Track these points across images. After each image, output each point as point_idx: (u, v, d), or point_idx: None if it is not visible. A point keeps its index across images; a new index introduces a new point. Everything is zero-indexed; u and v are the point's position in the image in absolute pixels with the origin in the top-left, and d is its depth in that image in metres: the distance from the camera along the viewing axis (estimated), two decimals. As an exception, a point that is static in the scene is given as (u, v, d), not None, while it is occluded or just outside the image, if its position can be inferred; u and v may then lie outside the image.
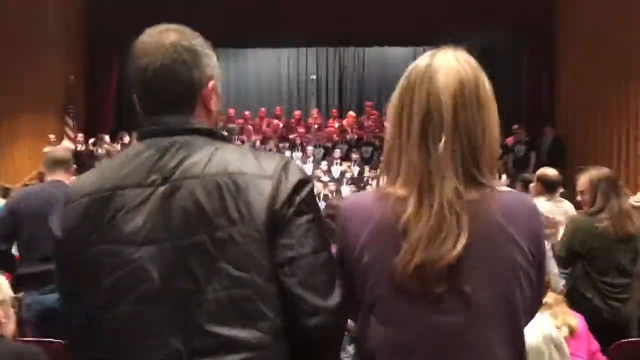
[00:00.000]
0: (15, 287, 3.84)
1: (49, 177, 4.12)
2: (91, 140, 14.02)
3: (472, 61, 1.38)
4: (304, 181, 1.39)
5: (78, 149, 13.79)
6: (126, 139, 14.25)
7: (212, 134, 1.45)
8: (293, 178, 1.37)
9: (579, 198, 3.97)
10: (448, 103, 1.27)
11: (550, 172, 5.49)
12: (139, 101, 1.52)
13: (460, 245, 1.21)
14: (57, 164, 4.07)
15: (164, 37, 1.48)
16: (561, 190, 5.28)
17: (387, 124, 1.38)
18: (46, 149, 8.72)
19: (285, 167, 1.38)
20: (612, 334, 3.06)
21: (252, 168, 1.36)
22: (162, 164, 1.38)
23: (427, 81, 1.30)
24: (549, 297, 2.81)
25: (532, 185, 5.92)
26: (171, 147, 1.40)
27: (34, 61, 13.48)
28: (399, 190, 1.30)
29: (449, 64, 1.32)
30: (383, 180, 1.38)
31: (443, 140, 1.25)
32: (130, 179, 1.37)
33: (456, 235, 1.21)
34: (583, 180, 3.83)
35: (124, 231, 1.33)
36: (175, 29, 1.51)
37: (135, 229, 1.33)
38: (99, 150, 13.69)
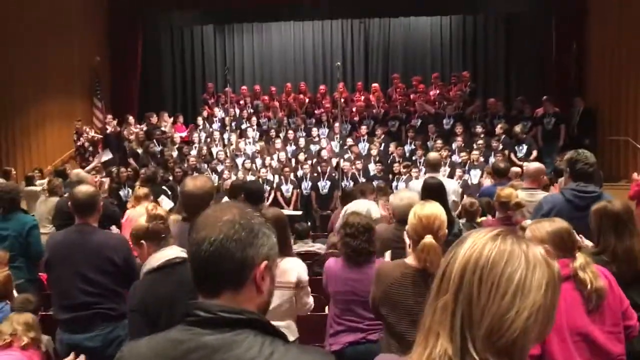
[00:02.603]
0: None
1: (77, 220, 4.09)
2: (114, 122, 14.13)
3: (517, 247, 1.25)
4: None
5: (107, 131, 13.96)
6: (154, 119, 14.34)
7: (261, 326, 1.45)
8: None
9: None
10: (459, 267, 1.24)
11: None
12: (193, 274, 1.53)
13: None
14: (82, 210, 4.04)
15: (224, 212, 1.52)
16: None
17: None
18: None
19: None
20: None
21: None
22: None
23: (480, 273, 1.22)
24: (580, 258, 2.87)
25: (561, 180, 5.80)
26: (217, 352, 1.40)
27: (59, 44, 13.61)
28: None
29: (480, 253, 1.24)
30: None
31: (445, 297, 1.24)
32: None
33: None
34: (592, 211, 3.51)
35: None
36: (236, 206, 1.55)
37: None
38: (125, 132, 13.80)
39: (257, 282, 1.49)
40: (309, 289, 4.08)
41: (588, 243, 3.68)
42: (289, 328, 3.91)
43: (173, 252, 3.08)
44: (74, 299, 3.90)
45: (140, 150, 13.15)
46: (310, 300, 4.10)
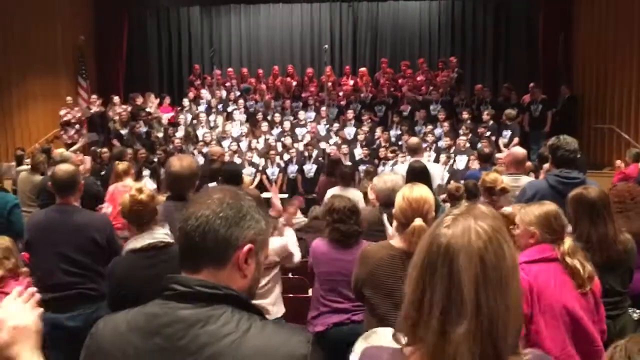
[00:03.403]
0: None
1: (58, 199, 4.07)
2: (99, 102, 14.00)
3: (492, 228, 1.30)
4: None
5: (92, 111, 13.82)
6: (139, 100, 14.22)
7: (239, 303, 1.45)
8: None
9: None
10: (471, 292, 1.23)
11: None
12: (179, 249, 1.53)
13: None
14: (63, 190, 4.01)
15: (216, 192, 1.53)
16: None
17: (408, 297, 1.32)
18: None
19: None
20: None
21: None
22: (184, 346, 1.39)
23: (449, 264, 1.25)
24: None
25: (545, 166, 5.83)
26: (192, 326, 1.40)
27: (43, 23, 13.45)
28: None
29: (470, 245, 1.26)
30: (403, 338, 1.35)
31: (463, 325, 1.22)
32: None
33: None
34: (568, 197, 3.54)
35: None
36: (230, 189, 1.57)
37: None
38: (110, 113, 13.68)
39: (240, 264, 1.48)
40: (295, 254, 4.20)
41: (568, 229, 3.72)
42: (275, 305, 3.93)
43: (158, 235, 3.08)
44: (56, 279, 3.88)
45: (124, 131, 13.04)
46: (298, 255, 4.23)
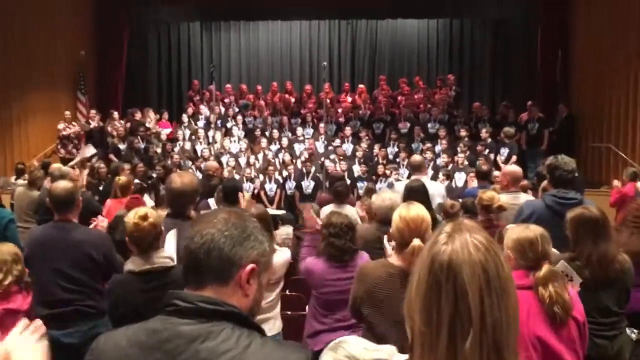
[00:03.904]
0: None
1: (56, 215, 4.09)
2: (98, 117, 14.04)
3: (487, 239, 1.36)
4: None
5: (91, 125, 13.84)
6: (138, 116, 14.26)
7: (240, 319, 1.46)
8: None
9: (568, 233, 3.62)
10: (476, 301, 1.28)
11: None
12: (183, 266, 1.56)
13: None
14: (61, 206, 4.02)
15: (221, 212, 1.57)
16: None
17: (415, 317, 1.34)
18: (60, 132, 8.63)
19: None
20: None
21: None
22: None
23: (453, 279, 1.30)
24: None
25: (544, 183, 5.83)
26: (193, 342, 1.41)
27: (43, 37, 13.49)
28: None
29: (471, 257, 1.31)
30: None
31: (471, 337, 1.27)
32: None
33: None
34: (567, 217, 3.55)
35: None
36: (235, 210, 1.61)
37: None
38: (109, 128, 13.70)
39: (242, 283, 1.50)
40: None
41: (554, 252, 3.71)
42: (274, 320, 3.94)
43: (157, 260, 3.10)
44: (53, 295, 3.88)
45: (122, 146, 13.07)
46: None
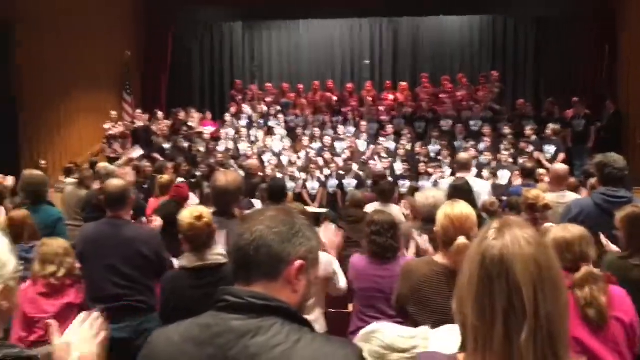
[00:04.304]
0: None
1: (108, 212, 4.20)
2: (146, 116, 14.28)
3: (539, 237, 1.38)
4: None
5: (136, 125, 14.10)
6: (181, 115, 14.47)
7: (289, 315, 1.49)
8: None
9: (618, 233, 3.55)
10: (530, 294, 1.29)
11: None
12: (232, 263, 1.59)
13: None
14: (114, 203, 4.13)
15: (270, 210, 1.61)
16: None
17: (467, 312, 1.35)
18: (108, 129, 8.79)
19: None
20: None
21: None
22: (234, 356, 1.43)
23: (505, 273, 1.31)
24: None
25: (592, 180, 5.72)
26: (243, 337, 1.44)
27: (91, 39, 13.78)
28: None
29: (522, 251, 1.32)
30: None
31: (526, 330, 1.28)
32: None
33: None
34: (618, 216, 3.49)
35: None
36: (284, 207, 1.66)
37: None
38: (154, 127, 13.93)
39: (290, 279, 1.52)
40: (339, 276, 4.17)
41: (613, 248, 3.65)
42: (317, 321, 3.96)
43: (210, 257, 3.16)
44: (105, 291, 3.97)
45: (166, 145, 13.28)
46: (343, 285, 4.19)
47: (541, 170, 8.94)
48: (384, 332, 2.27)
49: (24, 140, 13.46)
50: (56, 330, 1.70)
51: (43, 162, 12.05)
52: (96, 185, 7.49)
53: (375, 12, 16.45)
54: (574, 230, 2.90)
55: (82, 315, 1.74)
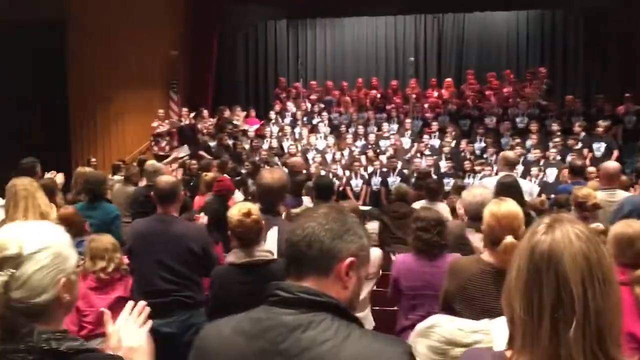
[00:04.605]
0: None
1: (159, 209, 4.27)
2: (192, 114, 14.48)
3: (590, 231, 1.36)
4: None
5: (182, 123, 14.30)
6: (226, 113, 14.62)
7: (339, 311, 1.49)
8: None
9: None
10: (579, 289, 1.28)
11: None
12: (285, 259, 1.61)
13: None
14: (164, 200, 4.19)
15: (322, 207, 1.63)
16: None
17: (515, 306, 1.35)
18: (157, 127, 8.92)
19: None
20: None
21: None
22: (285, 349, 1.45)
23: (554, 267, 1.30)
24: None
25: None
26: (294, 330, 1.46)
27: (138, 39, 14.02)
28: None
29: (572, 245, 1.31)
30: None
31: (574, 325, 1.27)
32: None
33: None
34: None
35: None
36: (335, 205, 1.71)
37: None
38: (199, 125, 14.11)
39: (341, 276, 1.53)
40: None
41: None
42: (366, 318, 3.96)
43: (258, 253, 3.20)
44: (154, 285, 4.04)
45: (212, 143, 13.44)
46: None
47: (591, 169, 8.75)
48: (442, 326, 2.24)
49: (75, 139, 13.83)
50: (110, 319, 1.75)
51: (94, 159, 12.33)
52: (143, 182, 7.64)
53: (419, 8, 16.35)
54: (636, 226, 2.85)
55: (129, 305, 1.78)
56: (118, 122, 14.29)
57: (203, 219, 4.61)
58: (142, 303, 1.83)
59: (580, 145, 11.55)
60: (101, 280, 3.95)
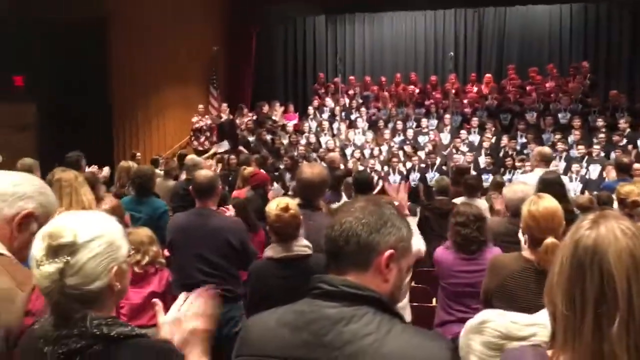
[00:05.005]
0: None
1: (197, 203, 4.32)
2: (228, 110, 14.60)
3: (634, 226, 1.33)
4: None
5: (222, 119, 14.44)
6: (265, 109, 14.70)
7: (381, 305, 1.50)
8: None
9: None
10: (623, 285, 1.26)
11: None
12: (325, 254, 1.62)
13: None
14: (203, 194, 4.24)
15: (360, 201, 1.63)
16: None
17: (557, 301, 1.33)
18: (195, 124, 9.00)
19: None
20: None
21: None
22: (328, 342, 1.46)
23: (598, 262, 1.28)
24: None
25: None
26: (337, 323, 1.47)
27: (179, 35, 14.17)
28: None
29: (617, 241, 1.29)
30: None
31: (618, 321, 1.25)
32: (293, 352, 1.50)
33: None
34: None
35: None
36: (373, 198, 1.67)
37: None
38: (238, 121, 14.22)
39: (381, 269, 1.53)
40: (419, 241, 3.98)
41: None
42: (404, 309, 3.94)
43: (296, 247, 3.21)
44: (193, 278, 4.05)
45: (250, 139, 13.54)
46: (422, 247, 4.01)
47: (636, 165, 8.54)
48: (495, 320, 2.20)
49: (117, 134, 14.08)
50: (161, 310, 1.78)
51: (138, 154, 12.52)
52: (183, 176, 7.72)
53: (460, 2, 16.20)
54: None
55: (198, 291, 1.81)
56: (159, 118, 14.48)
57: (229, 211, 4.65)
58: (211, 291, 1.83)
59: (625, 141, 11.29)
60: (135, 273, 3.98)
